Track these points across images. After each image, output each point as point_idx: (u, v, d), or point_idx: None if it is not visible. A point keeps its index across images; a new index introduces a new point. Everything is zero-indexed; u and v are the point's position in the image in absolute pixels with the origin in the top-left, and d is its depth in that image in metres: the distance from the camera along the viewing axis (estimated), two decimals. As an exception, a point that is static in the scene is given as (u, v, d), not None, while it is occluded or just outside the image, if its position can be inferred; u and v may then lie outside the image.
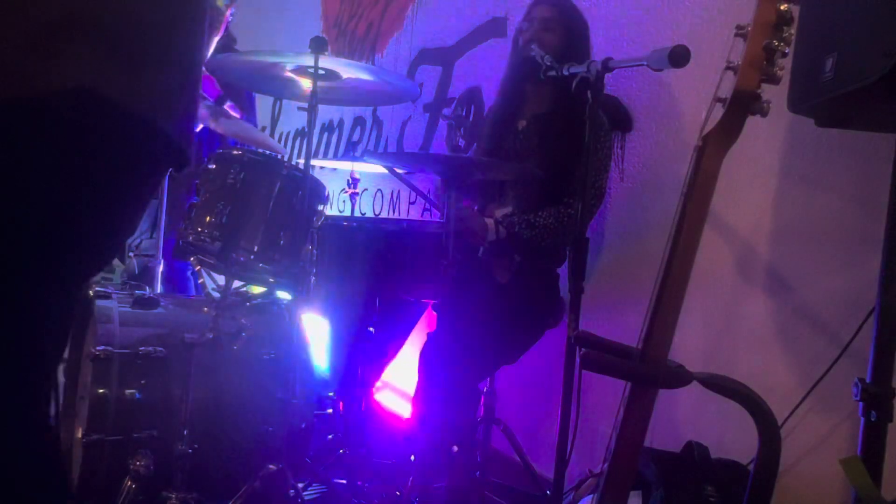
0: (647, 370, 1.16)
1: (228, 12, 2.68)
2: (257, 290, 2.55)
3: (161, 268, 3.05)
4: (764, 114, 1.14)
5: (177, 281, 3.44)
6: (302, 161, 2.14)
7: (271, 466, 2.04)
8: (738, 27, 1.15)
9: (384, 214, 3.70)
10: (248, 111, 3.49)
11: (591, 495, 1.57)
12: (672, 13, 2.18)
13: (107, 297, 2.13)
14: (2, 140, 0.75)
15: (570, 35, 2.12)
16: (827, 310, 1.70)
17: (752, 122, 1.15)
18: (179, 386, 2.03)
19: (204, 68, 1.06)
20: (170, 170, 0.97)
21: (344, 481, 2.26)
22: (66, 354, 2.16)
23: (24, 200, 0.78)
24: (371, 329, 2.29)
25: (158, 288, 3.06)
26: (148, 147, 0.88)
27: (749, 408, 1.17)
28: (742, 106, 1.13)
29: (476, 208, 2.24)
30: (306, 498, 2.13)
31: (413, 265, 2.10)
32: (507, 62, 2.29)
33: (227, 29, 2.79)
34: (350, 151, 4.10)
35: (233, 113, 3.03)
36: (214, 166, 2.10)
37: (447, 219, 1.82)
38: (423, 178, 3.33)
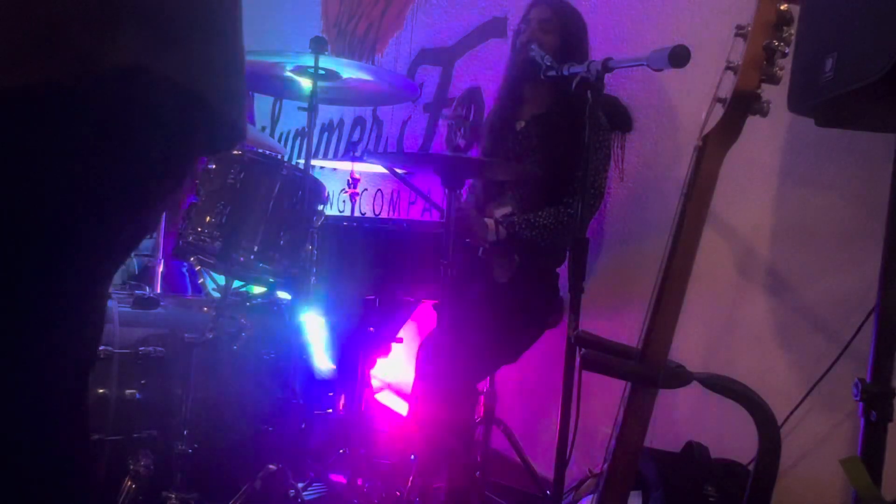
0: (647, 370, 1.16)
1: None
2: (257, 290, 2.55)
3: (161, 268, 3.05)
4: (764, 114, 1.14)
5: (172, 279, 3.43)
6: (302, 161, 2.14)
7: (271, 466, 2.04)
8: (738, 27, 1.15)
9: (384, 214, 3.70)
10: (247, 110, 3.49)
11: (591, 495, 1.57)
12: (672, 13, 2.18)
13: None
14: (63, 118, 0.75)
15: (567, 36, 2.12)
16: (827, 310, 1.70)
17: (752, 122, 1.15)
18: (179, 386, 2.03)
19: None
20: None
21: (344, 481, 2.26)
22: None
23: (86, 178, 0.78)
24: (371, 329, 2.29)
25: (158, 288, 3.06)
26: (201, 121, 0.88)
27: (749, 408, 1.17)
28: (742, 106, 1.13)
29: (474, 208, 2.24)
30: (306, 498, 2.13)
31: (413, 265, 2.10)
32: (507, 63, 2.29)
33: None
34: (350, 151, 4.10)
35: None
36: (214, 166, 2.11)
37: (447, 219, 1.82)
38: (423, 178, 3.33)
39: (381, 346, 2.34)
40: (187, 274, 3.48)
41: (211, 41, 0.87)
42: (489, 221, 2.06)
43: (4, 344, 0.76)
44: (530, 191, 2.13)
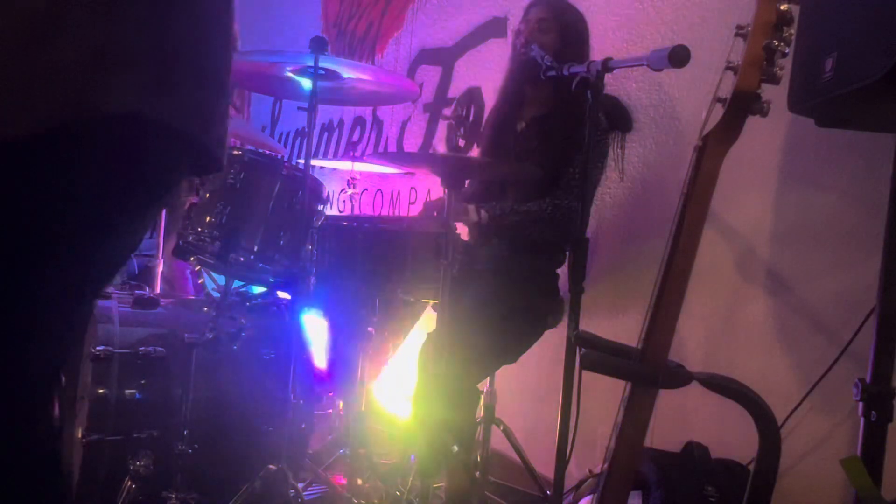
0: (647, 370, 1.16)
1: None
2: (257, 290, 2.55)
3: (161, 268, 3.05)
4: (764, 114, 1.14)
5: (176, 280, 3.44)
6: (302, 161, 2.14)
7: (271, 466, 2.04)
8: (738, 27, 1.15)
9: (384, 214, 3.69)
10: (241, 110, 3.50)
11: (591, 495, 1.57)
12: (672, 13, 2.18)
13: (107, 297, 2.13)
14: (56, 158, 0.79)
15: (567, 35, 2.12)
16: (827, 310, 1.70)
17: (752, 122, 1.15)
18: (179, 386, 2.03)
19: None
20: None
21: (344, 481, 2.26)
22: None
23: (72, 215, 0.82)
24: (371, 329, 2.29)
25: (158, 288, 3.06)
26: (188, 159, 0.94)
27: (749, 408, 1.17)
28: (742, 106, 1.13)
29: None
30: (306, 498, 2.13)
31: (413, 265, 2.10)
32: (508, 63, 2.29)
33: None
34: (350, 151, 4.10)
35: (232, 111, 3.03)
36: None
37: (447, 218, 1.82)
38: (423, 178, 3.33)
39: (382, 346, 2.34)
40: (191, 277, 3.48)
41: (203, 89, 0.91)
42: (469, 206, 2.05)
43: None
44: (521, 185, 2.13)
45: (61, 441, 0.95)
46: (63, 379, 0.96)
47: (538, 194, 2.07)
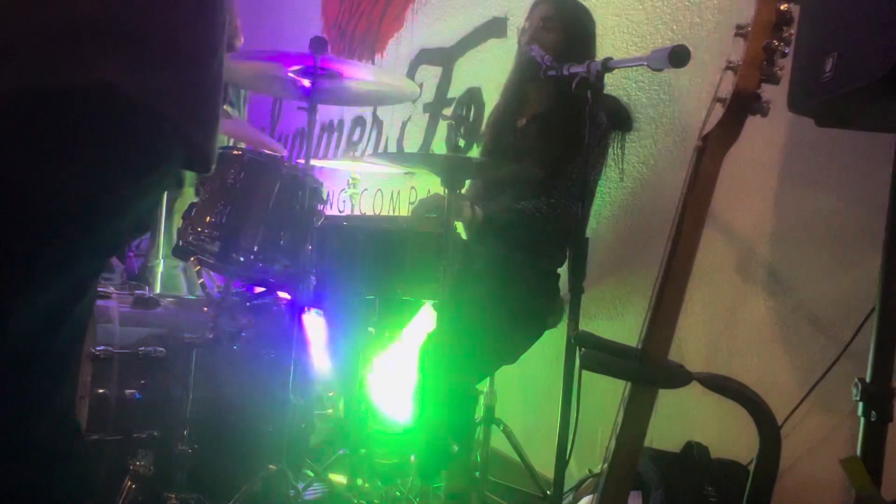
0: (647, 370, 1.16)
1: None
2: (257, 290, 2.55)
3: (161, 268, 3.05)
4: (764, 114, 1.14)
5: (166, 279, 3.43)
6: (302, 161, 2.14)
7: (271, 466, 2.04)
8: (738, 27, 1.15)
9: (384, 214, 3.70)
10: (240, 109, 3.50)
11: (591, 495, 1.57)
12: (672, 13, 2.18)
13: (107, 297, 2.13)
14: (25, 123, 0.78)
15: (571, 34, 2.11)
16: (827, 310, 1.70)
17: (752, 122, 1.15)
18: (179, 386, 2.03)
19: None
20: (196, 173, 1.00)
21: (344, 481, 2.27)
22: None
23: (40, 188, 0.80)
24: (371, 329, 2.29)
25: (158, 288, 3.07)
26: (162, 140, 0.91)
27: (749, 408, 1.17)
28: (742, 106, 1.13)
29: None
30: (306, 498, 2.13)
31: (413, 265, 2.10)
32: (513, 62, 2.29)
33: None
34: (350, 151, 4.10)
35: (231, 111, 3.03)
36: (214, 167, 2.10)
37: (446, 218, 1.82)
38: (423, 178, 3.33)
39: (382, 346, 2.34)
40: (181, 273, 3.48)
41: (184, 70, 0.90)
42: (464, 203, 2.05)
43: None
44: (519, 185, 2.13)
45: (79, 437, 0.95)
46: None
47: (534, 193, 2.07)
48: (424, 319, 2.42)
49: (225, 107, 3.06)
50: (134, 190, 0.91)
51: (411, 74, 3.61)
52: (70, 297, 0.88)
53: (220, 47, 0.95)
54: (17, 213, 0.79)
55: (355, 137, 4.14)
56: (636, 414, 1.17)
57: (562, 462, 1.61)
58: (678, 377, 1.17)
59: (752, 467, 1.18)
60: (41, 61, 0.76)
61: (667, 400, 1.22)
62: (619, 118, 2.19)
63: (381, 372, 2.50)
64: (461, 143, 1.91)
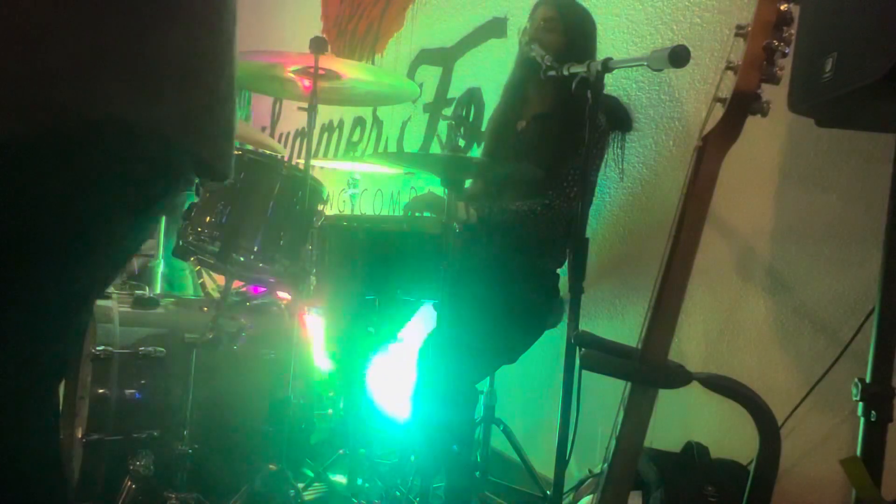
0: (647, 370, 1.16)
1: None
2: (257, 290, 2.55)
3: (161, 268, 3.05)
4: (764, 114, 1.14)
5: (175, 280, 3.44)
6: (302, 161, 2.14)
7: (271, 466, 2.04)
8: (738, 27, 1.15)
9: (384, 214, 3.70)
10: (243, 108, 3.50)
11: (591, 495, 1.57)
12: (672, 13, 2.18)
13: (107, 297, 2.13)
14: (37, 164, 0.79)
15: (571, 35, 2.11)
16: (827, 310, 1.70)
17: (752, 122, 1.15)
18: (179, 386, 2.03)
19: None
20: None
21: (344, 481, 2.27)
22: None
23: (57, 223, 0.82)
24: (371, 329, 2.29)
25: (158, 288, 3.07)
26: (171, 165, 0.91)
27: (749, 408, 1.17)
28: (742, 106, 1.13)
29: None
30: (306, 498, 2.13)
31: (413, 265, 2.10)
32: (514, 62, 2.29)
33: None
34: (350, 151, 4.10)
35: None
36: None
37: (447, 217, 1.82)
38: (423, 178, 3.33)
39: (381, 346, 2.34)
40: (191, 276, 3.48)
41: (192, 90, 0.89)
42: (460, 204, 2.05)
43: None
44: (516, 185, 2.13)
45: (60, 442, 0.95)
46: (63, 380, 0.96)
47: (530, 193, 2.07)
48: (424, 319, 2.42)
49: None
50: (145, 214, 0.92)
51: (411, 74, 3.61)
52: (74, 314, 0.89)
53: (227, 64, 0.94)
54: (30, 254, 0.80)
55: (355, 137, 4.14)
56: (636, 414, 1.18)
57: (562, 462, 1.61)
58: (678, 377, 1.17)
59: (752, 467, 1.18)
60: (53, 99, 0.76)
61: (667, 400, 1.22)
62: (619, 118, 2.19)
63: (382, 372, 2.50)
64: (461, 143, 1.90)
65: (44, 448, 0.87)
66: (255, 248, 2.07)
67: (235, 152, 2.15)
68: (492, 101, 2.33)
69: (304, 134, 4.74)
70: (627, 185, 2.30)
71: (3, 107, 0.75)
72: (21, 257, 0.80)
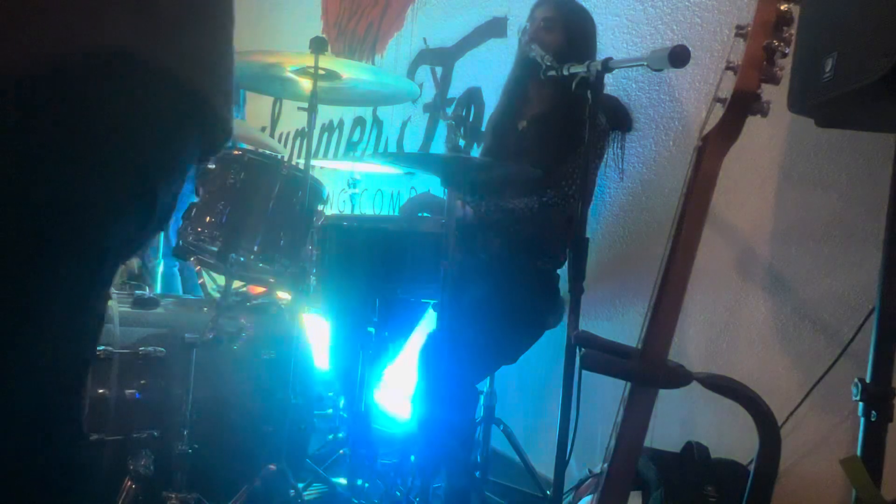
0: (647, 370, 1.16)
1: None
2: (257, 290, 2.55)
3: (161, 268, 3.05)
4: (764, 114, 1.14)
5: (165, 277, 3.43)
6: (302, 161, 2.14)
7: (271, 466, 2.04)
8: (738, 27, 1.15)
9: (384, 214, 3.70)
10: (239, 109, 3.50)
11: (591, 495, 1.57)
12: (672, 13, 2.18)
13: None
14: (42, 94, 0.73)
15: (570, 35, 2.11)
16: (827, 310, 1.70)
17: (752, 122, 1.15)
18: (179, 386, 2.03)
19: None
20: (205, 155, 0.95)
21: (344, 481, 2.27)
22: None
23: (61, 159, 0.75)
24: (371, 329, 2.29)
25: (158, 288, 3.07)
26: (182, 106, 0.86)
27: (749, 408, 1.17)
28: (742, 106, 1.13)
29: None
30: (306, 498, 2.13)
31: (413, 265, 2.10)
32: (514, 62, 2.29)
33: None
34: (350, 151, 4.11)
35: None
36: (214, 166, 2.11)
37: (447, 217, 1.82)
38: (423, 178, 3.33)
39: (382, 346, 2.34)
40: (178, 274, 3.48)
41: (204, 34, 0.85)
42: (456, 203, 2.05)
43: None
44: (514, 184, 2.14)
45: (84, 446, 0.93)
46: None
47: (527, 192, 2.07)
48: (425, 320, 2.42)
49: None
50: (158, 159, 0.85)
51: (411, 74, 3.61)
52: (96, 276, 0.84)
53: (230, 14, 0.91)
54: (32, 190, 0.73)
55: (355, 137, 4.14)
56: (636, 414, 1.18)
57: (562, 462, 1.61)
58: (678, 377, 1.17)
59: (752, 467, 1.18)
60: (55, 28, 0.72)
61: (667, 400, 1.22)
62: (619, 118, 2.19)
63: (382, 372, 2.50)
64: (461, 142, 1.90)
65: (70, 452, 0.85)
66: (255, 248, 2.07)
67: (235, 152, 2.16)
68: (492, 102, 2.32)
69: (304, 134, 4.74)
70: (627, 185, 2.30)
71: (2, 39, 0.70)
72: (35, 214, 0.73)
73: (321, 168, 3.49)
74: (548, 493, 2.11)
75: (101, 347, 1.97)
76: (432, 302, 2.19)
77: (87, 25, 0.73)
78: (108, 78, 0.76)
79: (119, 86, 0.77)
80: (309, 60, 2.10)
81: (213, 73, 0.88)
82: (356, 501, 2.15)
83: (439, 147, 3.34)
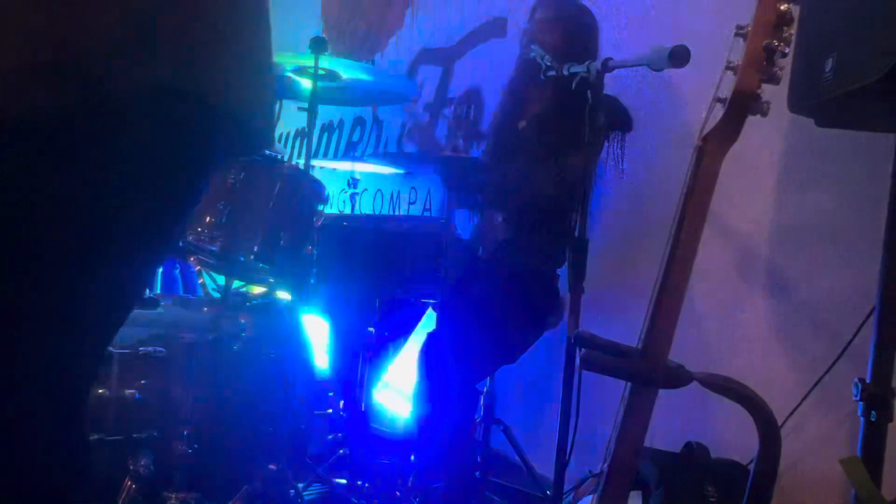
0: (647, 370, 1.16)
1: None
2: (257, 290, 2.55)
3: (161, 268, 3.05)
4: (764, 114, 1.14)
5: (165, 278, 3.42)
6: (302, 161, 2.14)
7: (271, 466, 2.04)
8: (738, 27, 1.15)
9: (384, 214, 3.69)
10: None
11: (591, 495, 1.57)
12: (672, 13, 2.18)
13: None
14: (86, 141, 0.75)
15: (570, 35, 2.11)
16: (827, 310, 1.70)
17: (752, 122, 1.15)
18: (179, 386, 2.03)
19: None
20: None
21: (344, 481, 2.26)
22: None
23: (110, 197, 0.78)
24: (371, 329, 2.29)
25: (158, 288, 3.06)
26: (226, 132, 0.88)
27: (749, 408, 1.17)
28: (742, 106, 1.13)
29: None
30: (306, 498, 2.13)
31: (413, 265, 2.10)
32: (514, 62, 2.30)
33: None
34: (350, 151, 4.10)
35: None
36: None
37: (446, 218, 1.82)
38: (423, 178, 3.33)
39: (382, 346, 2.34)
40: (178, 276, 3.47)
41: (232, 51, 0.86)
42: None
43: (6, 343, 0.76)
44: (512, 185, 2.14)
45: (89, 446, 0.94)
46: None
47: (526, 192, 2.07)
48: (425, 320, 2.42)
49: None
50: (193, 187, 0.88)
51: (411, 74, 3.61)
52: (127, 298, 0.88)
53: (265, 29, 0.93)
54: (71, 226, 0.76)
55: (355, 137, 4.14)
56: (636, 414, 1.17)
57: (562, 462, 1.61)
58: (678, 377, 1.17)
59: (752, 467, 1.18)
60: (92, 72, 0.72)
61: (667, 400, 1.22)
62: (619, 118, 2.18)
63: (382, 372, 2.50)
64: (461, 142, 1.91)
65: (76, 454, 0.85)
66: (255, 248, 2.07)
67: (235, 152, 2.16)
68: (492, 102, 2.32)
69: (304, 134, 4.74)
70: (627, 185, 2.30)
71: (38, 80, 0.70)
72: (67, 246, 0.76)
73: (321, 168, 3.49)
74: (548, 492, 2.11)
75: (102, 347, 1.96)
76: (432, 302, 2.20)
77: (125, 66, 0.74)
78: (147, 111, 0.77)
79: (159, 116, 0.79)
80: (309, 60, 2.10)
81: (245, 89, 0.89)
82: (356, 501, 2.15)
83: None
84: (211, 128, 0.85)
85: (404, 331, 2.47)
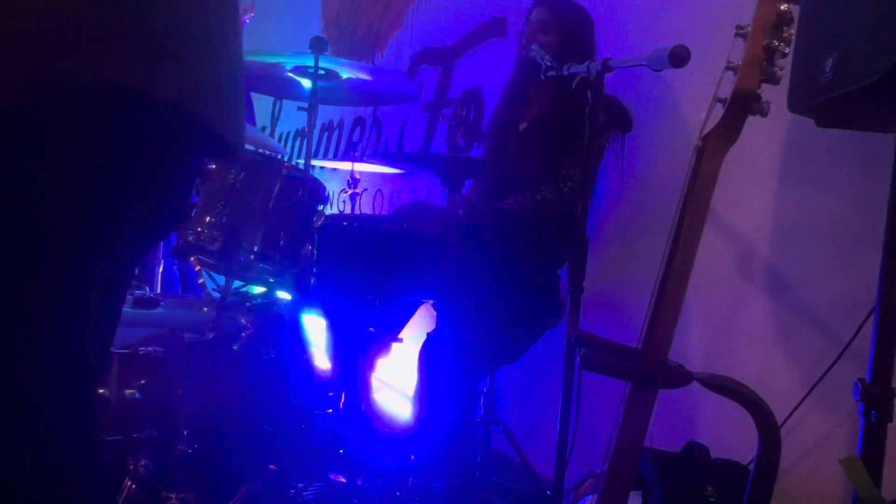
0: (647, 370, 1.16)
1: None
2: (257, 290, 2.55)
3: (161, 268, 3.05)
4: (764, 114, 1.14)
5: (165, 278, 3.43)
6: (302, 161, 2.14)
7: (271, 466, 2.04)
8: (738, 27, 1.15)
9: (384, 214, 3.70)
10: (248, 110, 3.49)
11: (591, 495, 1.57)
12: (672, 13, 2.18)
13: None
14: (39, 137, 0.74)
15: (567, 35, 2.11)
16: (827, 310, 1.70)
17: (752, 122, 1.15)
18: (179, 386, 2.03)
19: None
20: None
21: (344, 481, 2.26)
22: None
23: (67, 195, 0.77)
24: (371, 329, 2.29)
25: (158, 288, 3.06)
26: (189, 140, 0.88)
27: (749, 408, 1.17)
28: (742, 106, 1.13)
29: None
30: (306, 498, 2.13)
31: (413, 265, 2.10)
32: (513, 63, 2.30)
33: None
34: (350, 151, 4.11)
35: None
36: (214, 166, 2.11)
37: (447, 218, 1.82)
38: (423, 178, 3.33)
39: (382, 346, 2.34)
40: (177, 273, 3.48)
41: (207, 60, 0.86)
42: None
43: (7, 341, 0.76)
44: (512, 186, 2.14)
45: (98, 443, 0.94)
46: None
47: (526, 193, 2.07)
48: (425, 319, 2.42)
49: None
50: (164, 192, 0.88)
51: (411, 74, 3.61)
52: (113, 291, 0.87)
53: (234, 35, 0.92)
54: (34, 222, 0.75)
55: (355, 137, 4.14)
56: (636, 414, 1.18)
57: (562, 462, 1.61)
58: (678, 377, 1.17)
59: (752, 467, 1.18)
60: (47, 67, 0.72)
61: (667, 400, 1.22)
62: (619, 118, 2.18)
63: (382, 372, 2.50)
64: (461, 142, 1.91)
65: (84, 452, 0.85)
66: (255, 248, 2.07)
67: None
68: (492, 102, 2.33)
69: (304, 134, 4.74)
70: (627, 185, 2.30)
71: (7, 70, 0.70)
72: (35, 245, 0.75)
73: (321, 168, 3.50)
74: (548, 492, 2.11)
75: (101, 347, 1.97)
76: (432, 301, 2.19)
77: (93, 66, 0.74)
78: (113, 111, 0.77)
79: (124, 119, 0.78)
80: (309, 60, 2.10)
81: (215, 101, 0.89)
82: (356, 501, 2.15)
83: (440, 146, 3.34)
84: (182, 134, 0.85)
85: (404, 331, 2.47)
